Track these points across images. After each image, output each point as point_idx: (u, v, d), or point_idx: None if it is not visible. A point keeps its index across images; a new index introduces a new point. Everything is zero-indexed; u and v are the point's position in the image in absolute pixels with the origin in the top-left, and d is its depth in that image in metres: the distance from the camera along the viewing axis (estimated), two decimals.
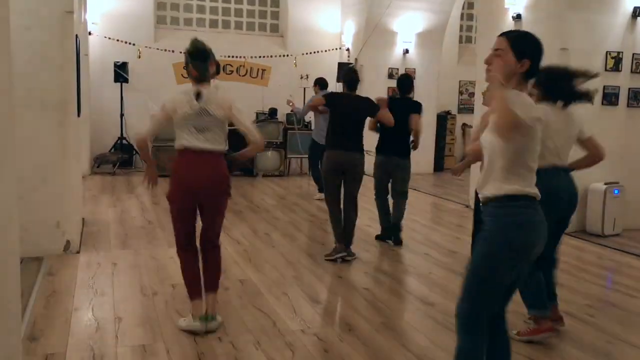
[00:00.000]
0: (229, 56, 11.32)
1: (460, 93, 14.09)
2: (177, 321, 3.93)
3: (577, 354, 3.71)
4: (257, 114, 11.47)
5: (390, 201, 6.38)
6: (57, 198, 5.40)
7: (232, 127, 3.82)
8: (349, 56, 12.51)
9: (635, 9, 7.06)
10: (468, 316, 2.64)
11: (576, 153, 4.06)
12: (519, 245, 2.53)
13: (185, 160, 3.75)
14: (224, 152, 3.85)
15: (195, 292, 3.87)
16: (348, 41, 12.58)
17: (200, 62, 3.75)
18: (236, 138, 4.05)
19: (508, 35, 2.64)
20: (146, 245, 5.97)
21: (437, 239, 6.70)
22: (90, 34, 10.76)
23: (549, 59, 7.72)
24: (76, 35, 5.77)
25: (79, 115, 6.04)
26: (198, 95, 3.72)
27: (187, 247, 3.91)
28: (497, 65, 2.57)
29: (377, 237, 6.48)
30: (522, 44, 2.60)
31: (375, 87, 12.00)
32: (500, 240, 2.54)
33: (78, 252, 5.55)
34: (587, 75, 3.87)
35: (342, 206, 5.75)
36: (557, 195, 3.75)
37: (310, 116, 10.04)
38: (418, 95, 12.18)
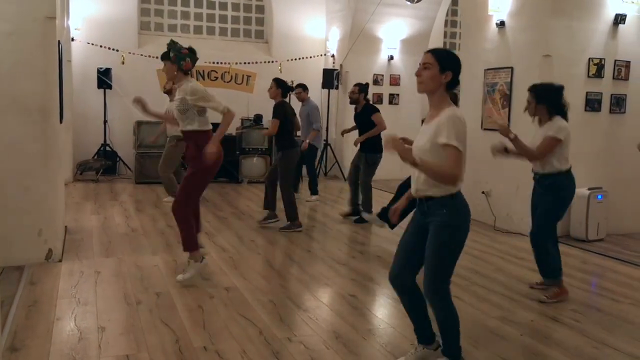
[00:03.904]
0: (213, 62, 11.30)
1: None
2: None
3: (563, 359, 3.72)
4: (243, 120, 11.43)
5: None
6: (39, 206, 5.33)
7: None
8: (334, 62, 12.54)
9: (617, 16, 7.15)
10: None
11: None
12: None
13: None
14: None
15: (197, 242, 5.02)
16: (333, 47, 12.61)
17: (195, 59, 4.88)
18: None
19: (433, 52, 3.13)
20: (130, 253, 5.91)
21: None
22: (73, 40, 10.67)
23: (532, 66, 7.85)
24: (59, 42, 5.71)
25: (61, 121, 5.97)
26: None
27: (192, 206, 4.97)
28: (427, 76, 3.08)
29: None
30: (445, 59, 3.09)
31: None
32: None
33: (60, 261, 5.47)
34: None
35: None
36: (574, 190, 4.87)
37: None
38: (402, 101, 12.34)
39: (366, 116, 7.70)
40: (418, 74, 3.12)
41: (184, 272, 4.89)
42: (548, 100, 4.73)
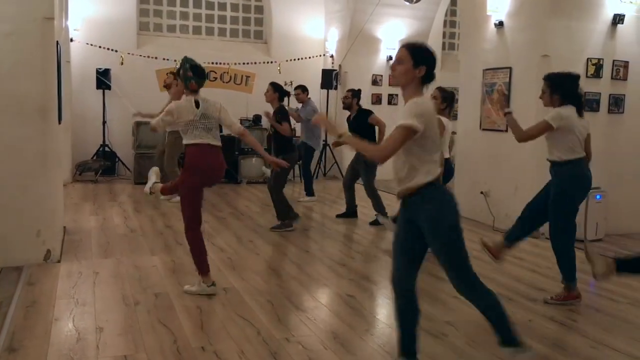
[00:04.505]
0: (212, 63, 11.29)
1: None
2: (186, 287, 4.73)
3: (561, 359, 3.72)
4: (242, 121, 11.42)
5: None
6: (37, 206, 5.32)
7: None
8: (332, 63, 12.54)
9: (615, 16, 7.15)
10: None
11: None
12: None
13: (203, 152, 4.60)
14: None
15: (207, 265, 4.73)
16: (332, 48, 12.61)
17: (202, 80, 4.66)
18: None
19: (407, 46, 3.13)
20: (129, 253, 5.90)
21: None
22: (72, 40, 10.66)
23: (531, 66, 7.82)
24: (57, 42, 5.71)
25: (60, 122, 5.97)
26: (197, 104, 4.58)
27: (197, 226, 4.67)
28: (400, 71, 3.09)
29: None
30: (419, 54, 3.08)
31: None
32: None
33: (59, 261, 5.47)
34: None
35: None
36: (589, 181, 4.67)
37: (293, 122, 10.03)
38: (402, 101, 12.29)
39: (361, 121, 7.61)
40: (393, 68, 3.15)
41: (192, 285, 4.78)
42: (562, 89, 4.56)
